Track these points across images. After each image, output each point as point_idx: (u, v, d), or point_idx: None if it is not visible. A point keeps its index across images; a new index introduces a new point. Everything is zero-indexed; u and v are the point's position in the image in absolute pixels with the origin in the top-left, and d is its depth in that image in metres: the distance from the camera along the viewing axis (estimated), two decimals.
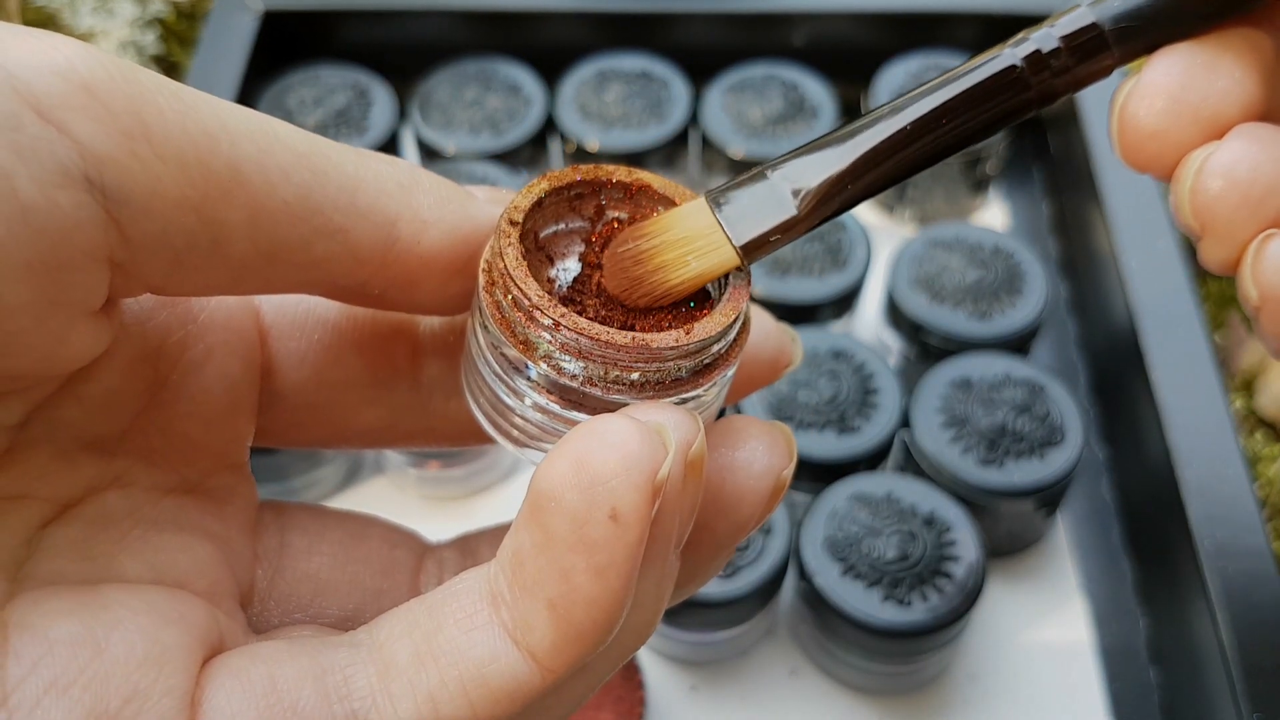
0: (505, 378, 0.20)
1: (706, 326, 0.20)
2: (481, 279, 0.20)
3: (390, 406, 0.23)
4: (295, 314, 0.22)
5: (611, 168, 0.22)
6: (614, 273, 0.21)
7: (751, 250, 0.20)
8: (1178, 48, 0.21)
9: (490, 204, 0.21)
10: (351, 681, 0.17)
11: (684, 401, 0.20)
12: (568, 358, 0.19)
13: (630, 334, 0.19)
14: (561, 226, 0.22)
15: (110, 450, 0.20)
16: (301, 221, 0.18)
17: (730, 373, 0.21)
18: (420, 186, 0.20)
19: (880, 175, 0.21)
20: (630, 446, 0.17)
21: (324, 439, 0.23)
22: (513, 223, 0.20)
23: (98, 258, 0.17)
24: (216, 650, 0.18)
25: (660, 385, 0.20)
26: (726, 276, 0.21)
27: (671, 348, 0.19)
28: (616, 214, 0.22)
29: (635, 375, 0.19)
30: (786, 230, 0.20)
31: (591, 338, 0.19)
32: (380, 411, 0.23)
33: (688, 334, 0.19)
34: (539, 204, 0.21)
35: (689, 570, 0.21)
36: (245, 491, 0.22)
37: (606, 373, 0.19)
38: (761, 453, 0.20)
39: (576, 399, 0.20)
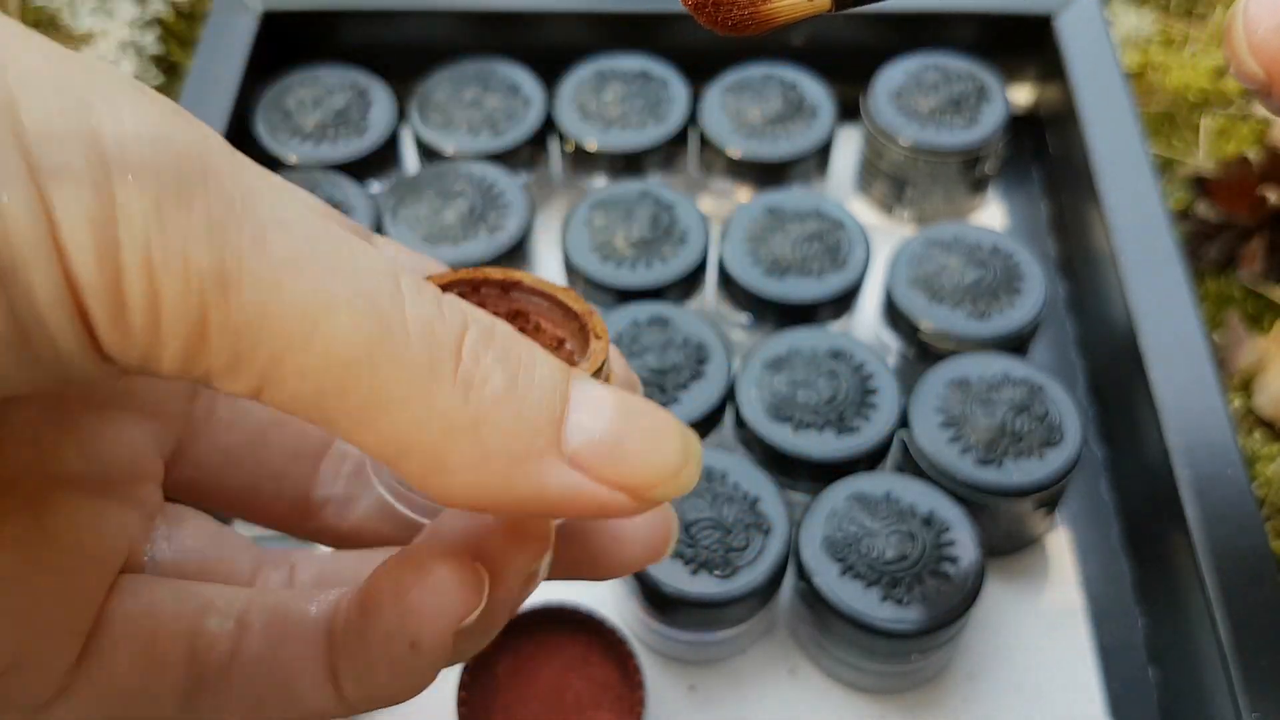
0: None
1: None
2: None
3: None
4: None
5: (488, 269, 0.22)
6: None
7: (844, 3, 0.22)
8: None
9: None
10: (211, 649, 0.19)
11: None
12: None
13: None
14: None
15: None
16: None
17: None
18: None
19: None
20: (444, 596, 0.18)
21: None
22: None
23: None
24: (124, 566, 0.19)
25: None
26: (588, 339, 0.21)
27: None
28: (497, 309, 0.23)
29: None
30: None
31: None
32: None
33: None
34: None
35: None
36: None
37: None
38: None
39: None
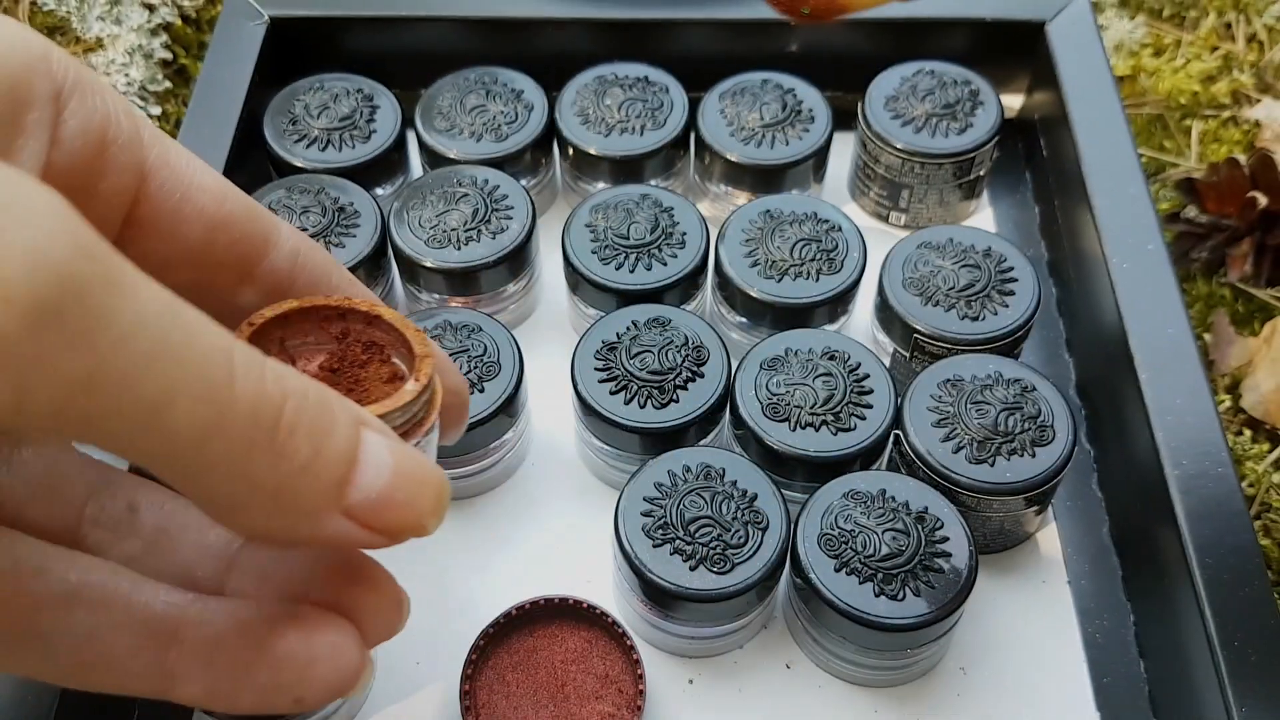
0: None
1: (398, 397, 0.24)
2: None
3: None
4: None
5: (356, 300, 0.26)
6: None
7: None
8: None
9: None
10: (38, 611, 0.21)
11: None
12: None
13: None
14: (309, 340, 0.26)
15: None
16: None
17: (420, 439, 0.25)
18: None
19: None
20: (341, 676, 0.22)
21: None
22: (250, 324, 0.25)
23: None
24: None
25: None
26: (413, 353, 0.25)
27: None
28: (359, 339, 0.26)
29: None
30: None
31: None
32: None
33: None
34: (285, 318, 0.25)
35: None
36: None
37: None
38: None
39: None
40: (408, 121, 0.52)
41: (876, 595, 0.37)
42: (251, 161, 0.50)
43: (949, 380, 0.42)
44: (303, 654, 0.23)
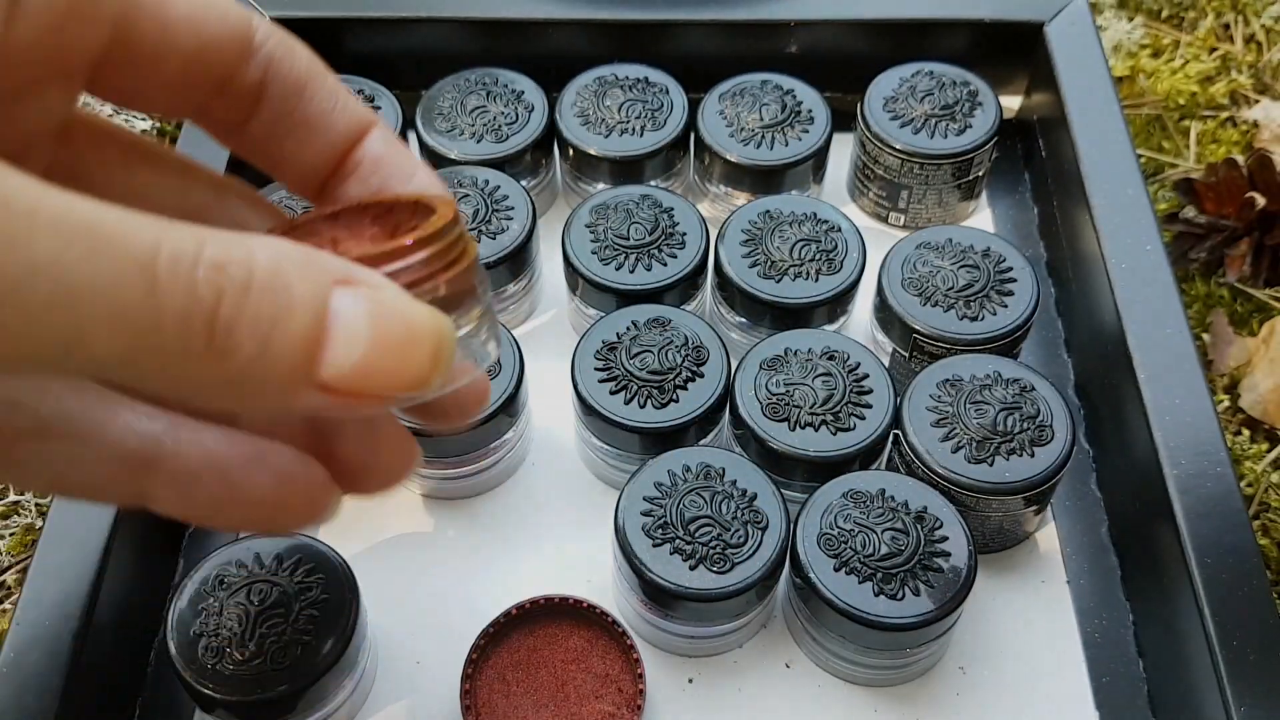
0: None
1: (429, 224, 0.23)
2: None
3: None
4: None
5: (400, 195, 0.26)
6: None
7: None
8: None
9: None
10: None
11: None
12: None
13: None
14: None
15: None
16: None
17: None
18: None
19: None
20: (310, 516, 0.24)
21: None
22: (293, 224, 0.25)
23: None
24: None
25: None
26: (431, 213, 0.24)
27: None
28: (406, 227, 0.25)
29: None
30: None
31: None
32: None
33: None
34: (335, 216, 0.26)
35: None
36: None
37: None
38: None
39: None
40: (408, 122, 0.52)
41: (876, 595, 0.37)
42: None
43: (948, 380, 0.42)
44: (271, 499, 0.23)
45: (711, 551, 0.38)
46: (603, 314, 0.45)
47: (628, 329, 0.44)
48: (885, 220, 0.54)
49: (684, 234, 0.47)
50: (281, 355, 0.19)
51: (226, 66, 0.25)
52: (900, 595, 0.37)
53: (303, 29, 0.54)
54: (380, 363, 0.20)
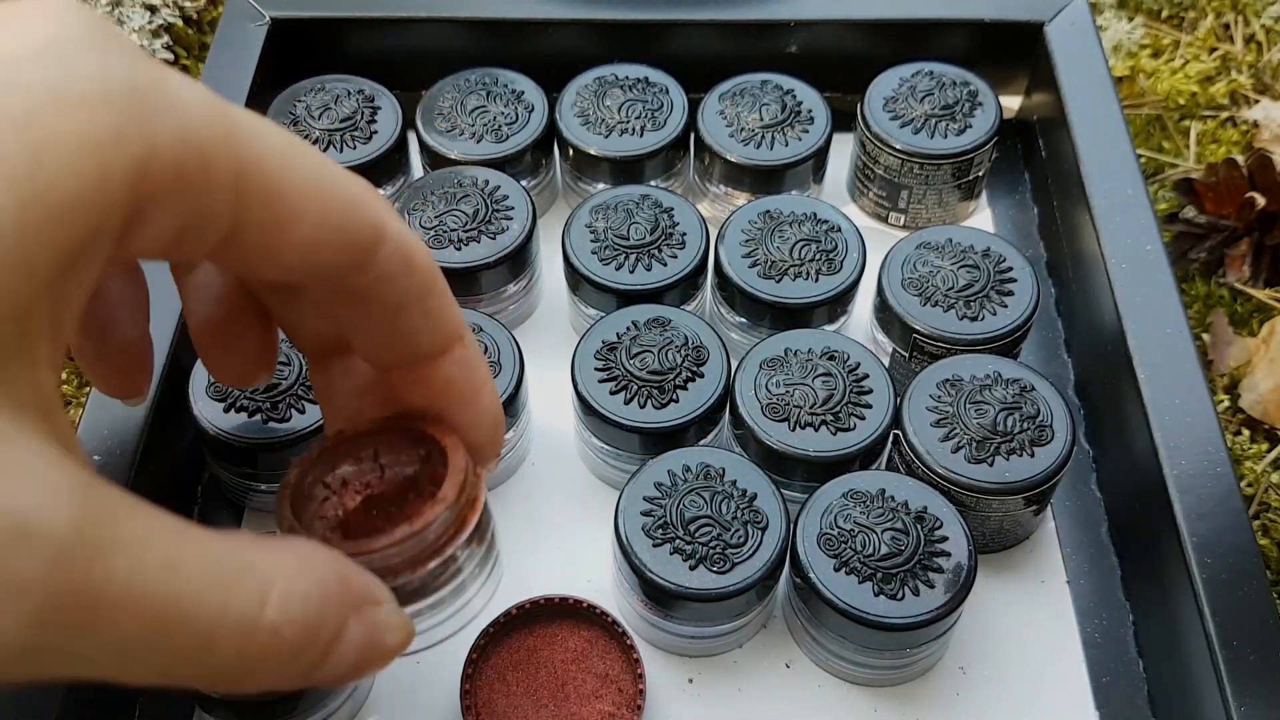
0: None
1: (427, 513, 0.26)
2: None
3: None
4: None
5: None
6: None
7: None
8: None
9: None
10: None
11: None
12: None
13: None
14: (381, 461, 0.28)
15: None
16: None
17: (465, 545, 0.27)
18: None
19: None
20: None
21: None
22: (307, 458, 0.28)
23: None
24: None
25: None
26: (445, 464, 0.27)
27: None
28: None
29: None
30: None
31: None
32: None
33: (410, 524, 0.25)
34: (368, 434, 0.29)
35: None
36: None
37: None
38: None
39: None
40: (408, 122, 0.52)
41: (876, 595, 0.37)
42: None
43: (948, 380, 0.42)
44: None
45: (711, 551, 0.38)
46: (603, 314, 0.45)
47: (628, 329, 0.44)
48: (885, 220, 0.54)
49: (684, 234, 0.47)
50: (285, 669, 0.22)
51: (338, 274, 0.24)
52: (900, 595, 0.37)
53: (304, 29, 0.54)
54: (361, 668, 0.24)
